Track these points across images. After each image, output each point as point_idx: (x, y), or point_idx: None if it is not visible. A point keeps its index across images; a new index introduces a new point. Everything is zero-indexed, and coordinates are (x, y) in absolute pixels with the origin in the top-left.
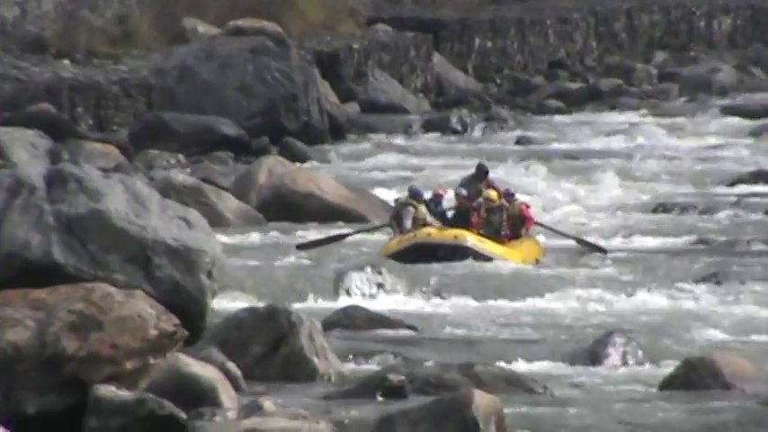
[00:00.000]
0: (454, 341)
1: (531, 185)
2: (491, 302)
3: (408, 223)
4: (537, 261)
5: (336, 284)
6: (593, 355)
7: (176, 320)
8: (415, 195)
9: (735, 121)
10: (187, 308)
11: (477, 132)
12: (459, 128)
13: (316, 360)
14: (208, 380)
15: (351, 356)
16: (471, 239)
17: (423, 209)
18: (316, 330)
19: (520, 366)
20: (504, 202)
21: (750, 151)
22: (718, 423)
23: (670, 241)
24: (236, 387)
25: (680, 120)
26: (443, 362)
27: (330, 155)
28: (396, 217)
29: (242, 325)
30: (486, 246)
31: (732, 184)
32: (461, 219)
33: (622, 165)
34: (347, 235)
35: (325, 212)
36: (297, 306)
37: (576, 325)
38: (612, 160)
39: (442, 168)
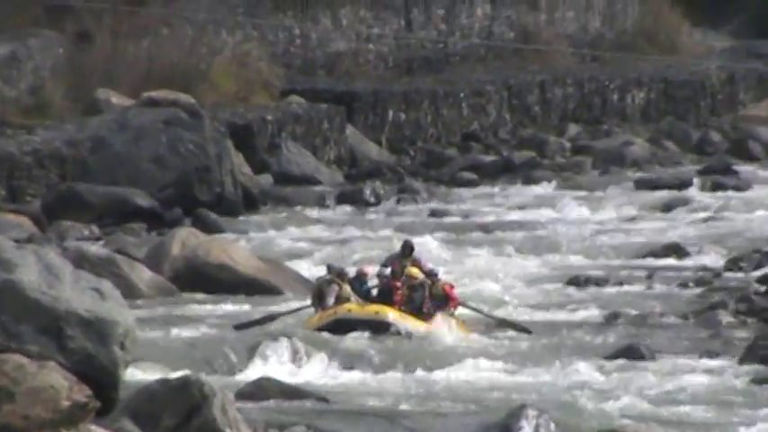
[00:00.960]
0: (367, 413)
1: (443, 258)
2: (405, 374)
3: (331, 301)
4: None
5: (250, 355)
6: (506, 429)
7: (89, 391)
8: (339, 273)
9: (648, 194)
10: (100, 379)
11: (390, 204)
12: (372, 200)
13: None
14: None
15: (264, 428)
16: (392, 315)
17: (347, 287)
18: (228, 402)
19: None
20: (425, 280)
21: (663, 224)
22: None
23: (583, 314)
24: None
25: (593, 193)
26: None
27: (243, 226)
28: (318, 295)
29: (154, 396)
30: (408, 322)
31: (645, 256)
32: (386, 297)
33: (536, 237)
34: (282, 314)
35: (240, 284)
36: (210, 378)
37: (489, 398)
38: (525, 233)
39: (356, 240)
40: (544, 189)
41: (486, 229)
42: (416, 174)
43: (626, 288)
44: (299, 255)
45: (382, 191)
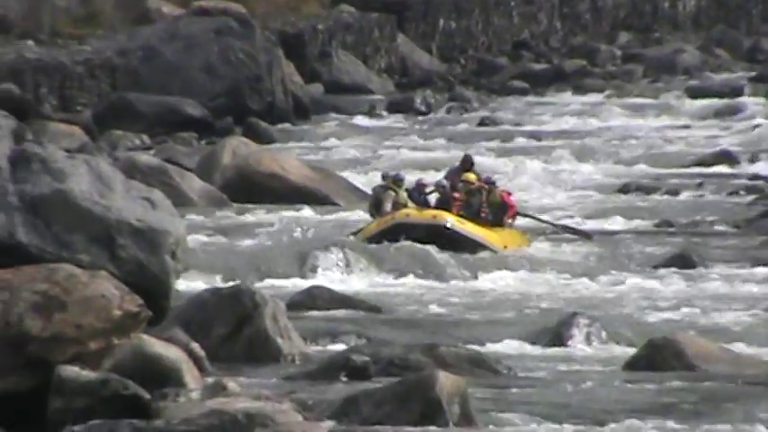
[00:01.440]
0: (419, 322)
1: (494, 166)
2: (456, 283)
3: (388, 207)
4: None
5: (301, 264)
6: (558, 336)
7: (140, 301)
8: (395, 180)
9: (698, 102)
10: (151, 288)
11: (440, 113)
12: (423, 108)
13: (280, 341)
14: (172, 360)
15: (315, 337)
16: (451, 219)
17: (403, 193)
18: (280, 311)
19: (484, 347)
20: (482, 185)
21: (713, 132)
22: (681, 403)
23: (634, 223)
24: (200, 368)
25: (643, 101)
26: (407, 343)
27: (294, 135)
28: (375, 203)
29: (206, 305)
30: (467, 226)
31: (696, 165)
32: (443, 207)
33: (586, 146)
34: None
35: (290, 193)
36: (261, 286)
37: (540, 306)
38: (576, 141)
39: (406, 148)
40: (595, 97)
41: (536, 137)
42: (467, 82)
43: (677, 196)
44: (349, 163)
45: (433, 99)
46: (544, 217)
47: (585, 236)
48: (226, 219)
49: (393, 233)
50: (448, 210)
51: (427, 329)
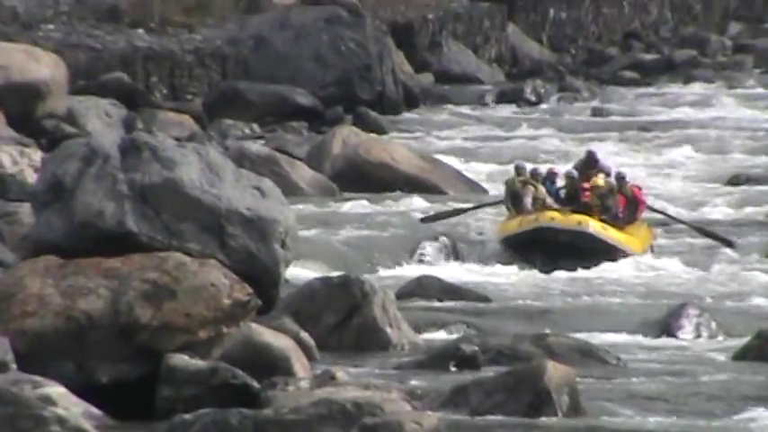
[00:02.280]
0: (527, 312)
1: (606, 157)
2: (563, 272)
3: (528, 202)
4: (651, 248)
5: (411, 254)
6: (667, 327)
7: (250, 290)
8: (534, 174)
9: None
10: (260, 277)
11: (551, 103)
12: (533, 98)
13: (389, 330)
14: (281, 349)
15: (423, 327)
16: (594, 226)
17: (542, 189)
18: (389, 300)
19: (593, 337)
20: (613, 184)
21: None
22: None
23: (744, 213)
24: (310, 357)
25: (754, 91)
26: (516, 332)
27: (404, 125)
28: (512, 196)
29: (315, 295)
30: (609, 233)
31: None
32: (572, 199)
33: (697, 136)
34: (470, 209)
35: (400, 182)
36: (370, 276)
37: (649, 296)
38: (687, 132)
39: (517, 138)
40: (705, 88)
41: (647, 128)
42: (577, 72)
43: None
44: (459, 153)
45: (543, 89)
46: (680, 217)
47: (727, 243)
48: (335, 208)
49: (536, 236)
50: (578, 202)
51: (536, 319)
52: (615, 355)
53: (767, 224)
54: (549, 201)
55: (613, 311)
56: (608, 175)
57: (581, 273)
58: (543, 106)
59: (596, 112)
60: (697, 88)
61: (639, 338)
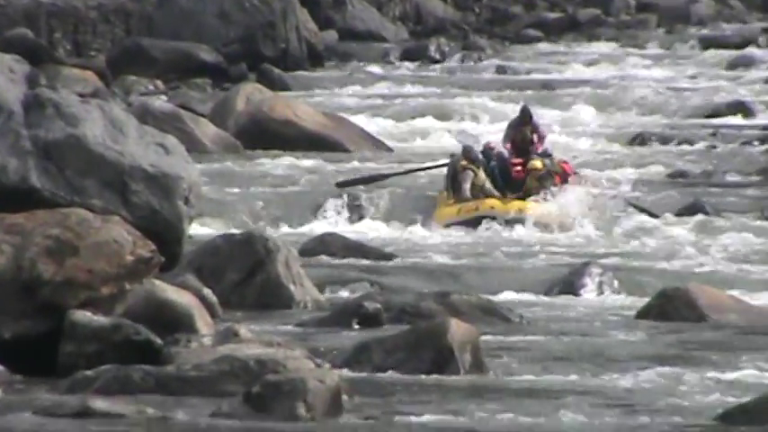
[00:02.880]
0: (431, 270)
1: (508, 115)
2: (469, 231)
3: (467, 188)
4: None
5: (314, 211)
6: (570, 285)
7: (153, 246)
8: (474, 160)
9: (712, 52)
10: (164, 234)
11: (455, 61)
12: (437, 56)
13: (292, 287)
14: (184, 306)
15: (327, 284)
16: (533, 211)
17: (482, 174)
18: (292, 257)
19: (496, 296)
20: (550, 167)
21: (727, 82)
22: (692, 353)
23: (647, 172)
24: (212, 314)
25: (658, 51)
26: (420, 290)
27: (308, 82)
28: (452, 177)
29: (218, 252)
30: (545, 211)
31: (709, 115)
32: (506, 178)
33: (600, 95)
34: (388, 176)
35: (304, 140)
36: (274, 233)
37: (552, 255)
38: (590, 90)
39: (421, 96)
40: (608, 47)
41: (550, 86)
42: (481, 31)
43: (690, 146)
44: (363, 111)
45: (447, 47)
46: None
47: (651, 214)
48: (239, 165)
49: (477, 224)
50: (510, 180)
51: (439, 277)
52: (518, 313)
53: (669, 184)
54: (489, 186)
55: (517, 270)
56: (538, 134)
57: (485, 231)
58: (447, 64)
59: (500, 70)
60: (601, 47)
61: (542, 297)
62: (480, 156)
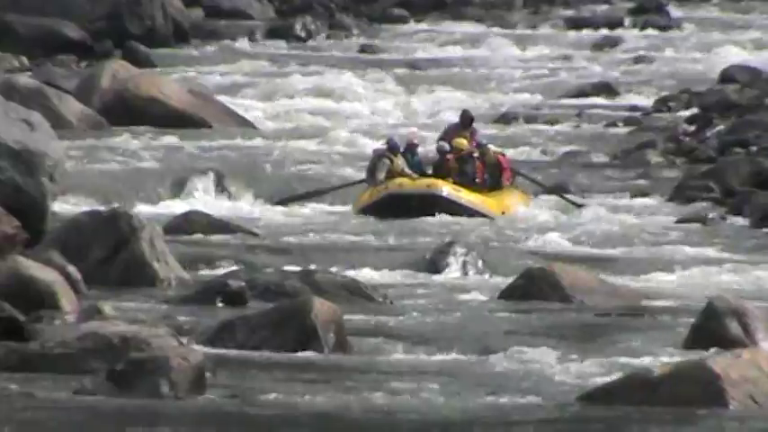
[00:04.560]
0: (295, 248)
1: (371, 95)
2: (334, 209)
3: (382, 175)
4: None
5: (179, 189)
6: (434, 264)
7: (16, 222)
8: (392, 148)
9: (578, 32)
10: (28, 211)
11: (320, 40)
12: (302, 35)
13: (156, 265)
14: (48, 283)
15: (191, 262)
16: (446, 189)
17: (399, 161)
18: (157, 235)
19: (361, 274)
20: (473, 149)
21: (593, 63)
22: (554, 332)
23: (511, 152)
24: (77, 290)
25: (523, 31)
26: (284, 269)
27: (174, 60)
28: (371, 169)
29: (83, 229)
30: (462, 194)
31: (574, 95)
32: (442, 172)
33: (465, 75)
34: (331, 189)
35: (169, 117)
36: (138, 210)
37: (417, 234)
38: (455, 70)
39: (286, 74)
40: (474, 26)
41: (415, 65)
42: (347, 9)
43: (555, 127)
44: (229, 89)
45: (313, 26)
46: (539, 178)
47: (577, 205)
48: (104, 142)
49: (387, 204)
50: (445, 176)
51: (305, 256)
52: (382, 292)
53: (534, 163)
54: (408, 171)
55: (382, 249)
56: (473, 138)
57: (349, 209)
58: (313, 43)
59: (365, 49)
60: (467, 26)
61: (407, 276)
62: (396, 143)
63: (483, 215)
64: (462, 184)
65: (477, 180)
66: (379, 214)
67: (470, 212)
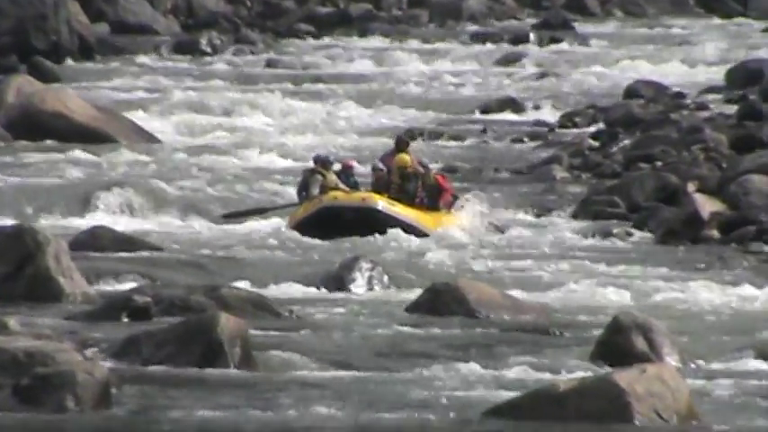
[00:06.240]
0: (202, 263)
1: (279, 109)
2: (240, 225)
3: (316, 191)
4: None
5: (85, 204)
6: (339, 280)
7: None
8: (324, 163)
9: (484, 48)
10: None
11: (227, 55)
12: (208, 50)
13: (62, 280)
14: None
15: (97, 277)
16: (382, 202)
17: (332, 176)
18: (62, 250)
19: (267, 290)
20: (418, 169)
21: (498, 78)
22: (459, 348)
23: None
24: None
25: (429, 46)
26: (190, 284)
27: (79, 75)
28: (302, 186)
29: None
30: (398, 209)
31: (480, 111)
32: (379, 188)
33: (370, 90)
34: (273, 209)
35: (75, 133)
36: (43, 226)
37: (323, 249)
38: (360, 86)
39: (190, 90)
40: (381, 41)
41: (321, 80)
42: (253, 24)
43: (461, 142)
44: (134, 104)
45: (219, 41)
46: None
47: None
48: (9, 157)
49: (321, 217)
50: (382, 192)
51: (211, 271)
52: (288, 307)
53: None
54: (342, 186)
55: (288, 264)
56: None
57: (255, 225)
58: (218, 57)
59: (270, 64)
60: (373, 42)
61: (313, 291)
62: (331, 159)
63: (418, 230)
64: (401, 200)
65: (416, 199)
66: (313, 229)
67: (405, 227)
